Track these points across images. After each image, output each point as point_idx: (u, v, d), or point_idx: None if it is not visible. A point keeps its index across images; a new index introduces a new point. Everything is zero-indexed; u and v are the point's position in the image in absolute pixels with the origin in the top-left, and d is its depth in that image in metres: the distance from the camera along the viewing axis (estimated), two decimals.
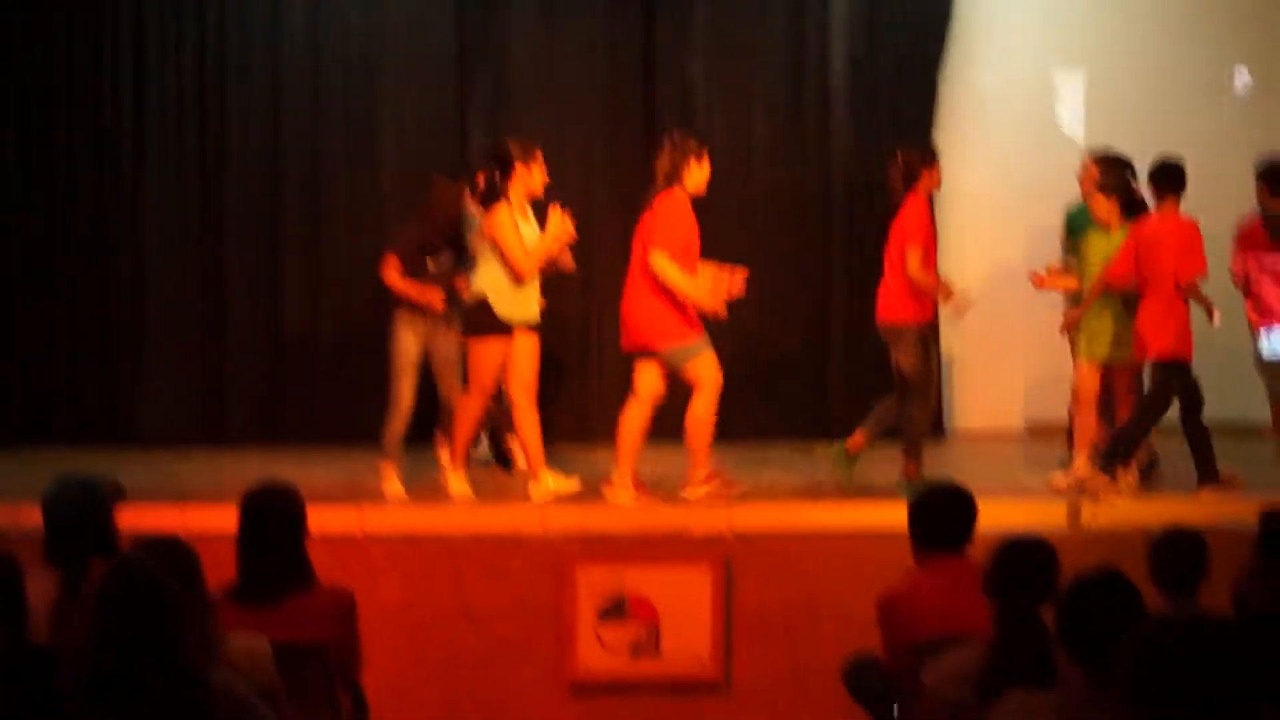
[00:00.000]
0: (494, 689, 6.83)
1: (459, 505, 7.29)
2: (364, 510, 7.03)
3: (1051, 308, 8.58)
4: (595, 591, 6.83)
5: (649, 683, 6.84)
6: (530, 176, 7.32)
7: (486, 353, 7.28)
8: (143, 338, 9.77)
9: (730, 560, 6.85)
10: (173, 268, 9.79)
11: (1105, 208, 7.68)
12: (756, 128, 9.93)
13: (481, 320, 7.26)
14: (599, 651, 6.83)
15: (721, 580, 6.82)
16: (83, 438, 9.40)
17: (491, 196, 7.30)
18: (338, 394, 9.62)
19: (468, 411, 7.44)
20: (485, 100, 9.91)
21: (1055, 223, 8.67)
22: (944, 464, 8.46)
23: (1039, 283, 8.25)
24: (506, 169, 7.30)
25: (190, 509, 6.81)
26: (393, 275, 7.73)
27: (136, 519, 6.74)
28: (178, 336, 9.76)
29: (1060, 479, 7.67)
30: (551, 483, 7.31)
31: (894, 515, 6.62)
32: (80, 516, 4.43)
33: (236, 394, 9.77)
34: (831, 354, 9.95)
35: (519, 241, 7.24)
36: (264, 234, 9.85)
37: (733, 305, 7.47)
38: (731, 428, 8.67)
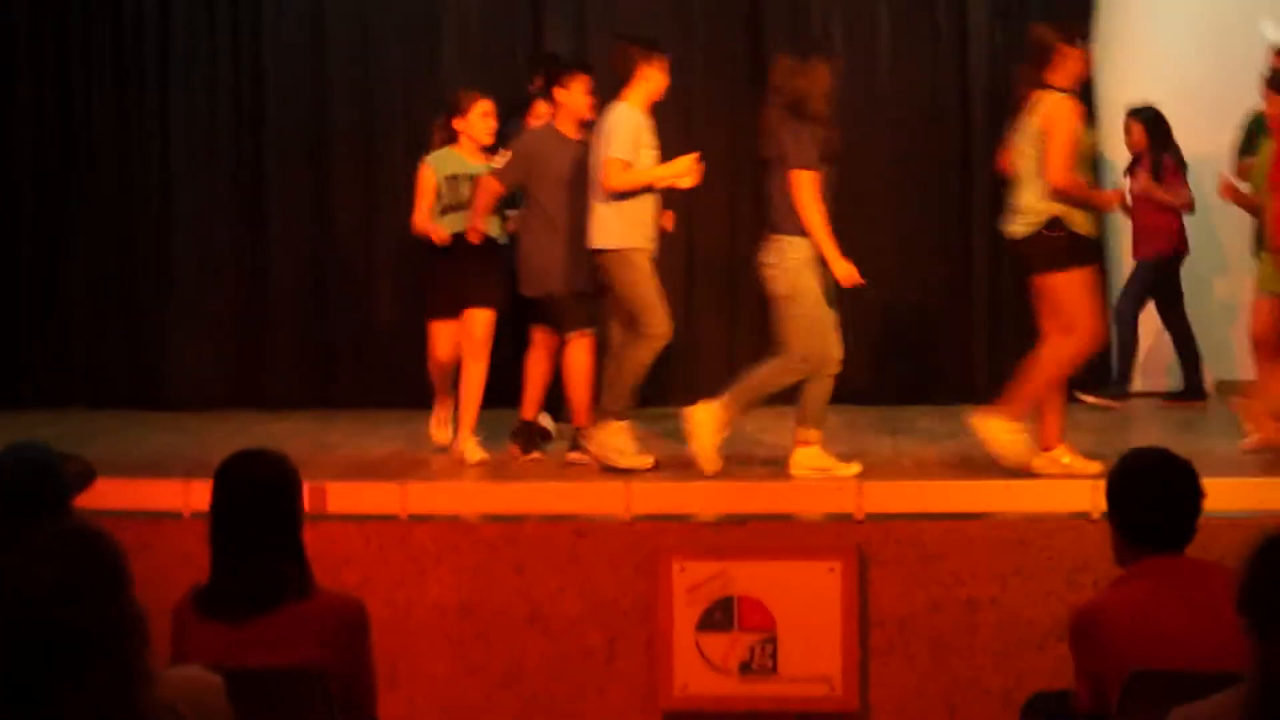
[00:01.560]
0: (567, 712, 5.39)
1: (523, 482, 5.89)
2: (408, 487, 5.60)
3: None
4: (696, 593, 5.32)
5: (763, 710, 5.34)
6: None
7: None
8: (170, 293, 8.67)
9: (864, 552, 5.34)
10: (206, 211, 8.66)
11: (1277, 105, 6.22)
12: (880, 42, 8.43)
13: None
14: (700, 668, 5.32)
15: (854, 578, 5.29)
16: (111, 401, 8.52)
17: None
18: (396, 354, 8.34)
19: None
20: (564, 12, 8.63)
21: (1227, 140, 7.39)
22: (1120, 430, 7.02)
23: (1226, 192, 6.90)
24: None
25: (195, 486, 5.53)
26: None
27: (135, 497, 5.91)
28: (212, 290, 8.68)
29: (1250, 441, 6.26)
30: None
31: (1077, 495, 5.43)
32: (13, 494, 3.36)
33: (277, 353, 8.64)
34: (975, 306, 8.46)
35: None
36: (310, 169, 8.65)
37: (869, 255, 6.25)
38: (871, 391, 7.57)
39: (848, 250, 5.96)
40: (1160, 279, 8.01)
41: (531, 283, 6.41)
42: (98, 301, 8.81)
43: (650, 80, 6.12)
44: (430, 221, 6.49)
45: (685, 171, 6.12)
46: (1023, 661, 5.34)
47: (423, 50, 8.64)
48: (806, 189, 5.81)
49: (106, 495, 5.54)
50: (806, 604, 5.36)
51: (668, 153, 6.25)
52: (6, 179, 8.84)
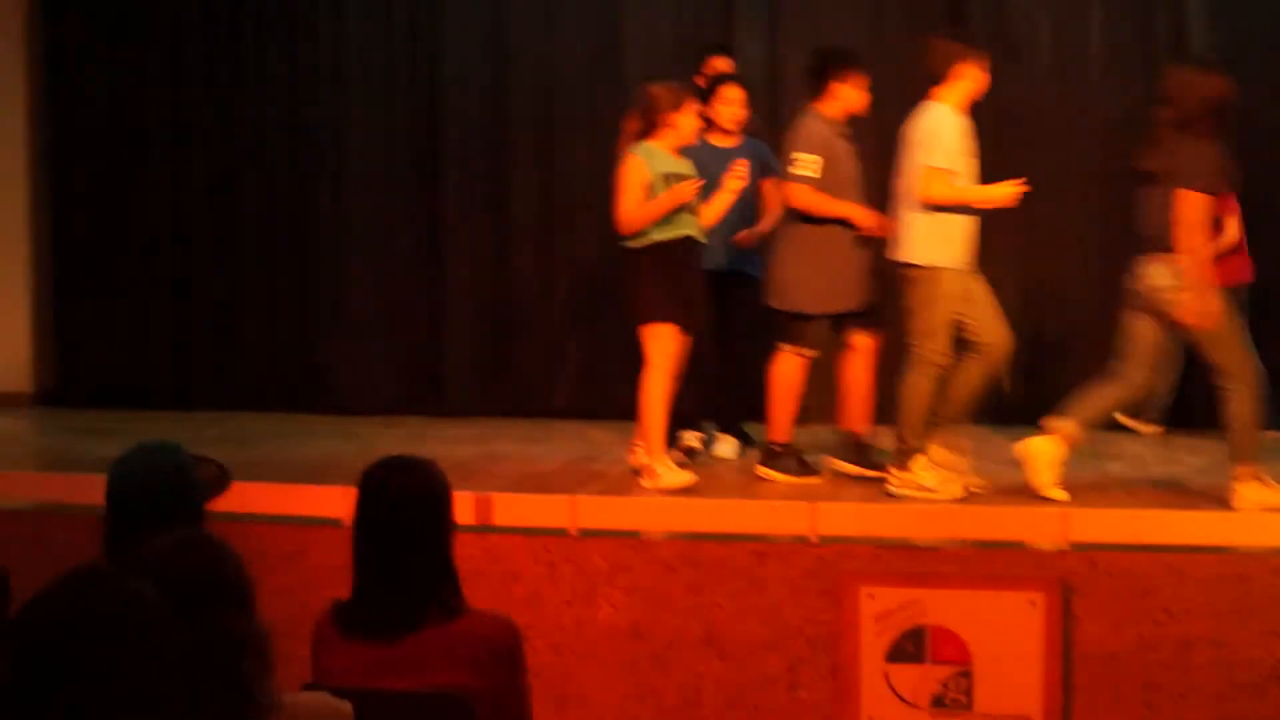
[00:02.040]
0: None
1: (704, 498, 5.44)
2: (577, 499, 5.30)
3: None
4: (885, 621, 4.95)
5: None
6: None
7: None
8: (349, 300, 8.49)
9: (1069, 584, 4.89)
10: (382, 214, 8.44)
11: None
12: (1091, 43, 7.83)
13: None
14: (888, 701, 4.93)
15: (1058, 611, 4.85)
16: (287, 404, 8.32)
17: None
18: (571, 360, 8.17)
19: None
20: (755, 11, 8.21)
21: None
22: None
23: None
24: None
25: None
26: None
27: (293, 502, 5.70)
28: (390, 298, 8.47)
29: None
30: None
31: None
32: (141, 499, 3.03)
33: (454, 361, 8.37)
34: None
35: None
36: (489, 182, 8.37)
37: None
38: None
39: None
40: None
41: (783, 298, 5.93)
42: (272, 304, 8.64)
43: (970, 80, 5.56)
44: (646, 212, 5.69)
45: (1010, 197, 5.54)
46: (1240, 706, 4.90)
47: (608, 51, 8.29)
48: (1192, 210, 5.28)
49: (263, 499, 5.36)
50: (1005, 637, 4.92)
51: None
52: (185, 186, 8.72)
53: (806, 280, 5.85)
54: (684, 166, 5.75)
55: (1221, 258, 7.18)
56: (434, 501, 3.03)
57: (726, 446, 6.60)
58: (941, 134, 5.47)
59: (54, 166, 8.96)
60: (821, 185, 5.78)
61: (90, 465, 5.69)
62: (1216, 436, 6.52)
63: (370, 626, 2.96)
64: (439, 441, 7.05)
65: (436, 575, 3.00)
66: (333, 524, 5.13)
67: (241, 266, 8.69)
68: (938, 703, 4.96)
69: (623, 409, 6.46)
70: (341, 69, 8.53)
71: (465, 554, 5.14)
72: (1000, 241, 5.83)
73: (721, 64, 6.82)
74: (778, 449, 5.94)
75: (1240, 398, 5.33)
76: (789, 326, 5.94)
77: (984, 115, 5.89)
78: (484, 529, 5.16)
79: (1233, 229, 7.10)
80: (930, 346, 5.52)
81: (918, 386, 5.54)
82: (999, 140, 6.77)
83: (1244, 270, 7.13)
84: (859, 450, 5.96)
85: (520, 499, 5.30)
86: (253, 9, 8.72)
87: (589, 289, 8.10)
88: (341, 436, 7.42)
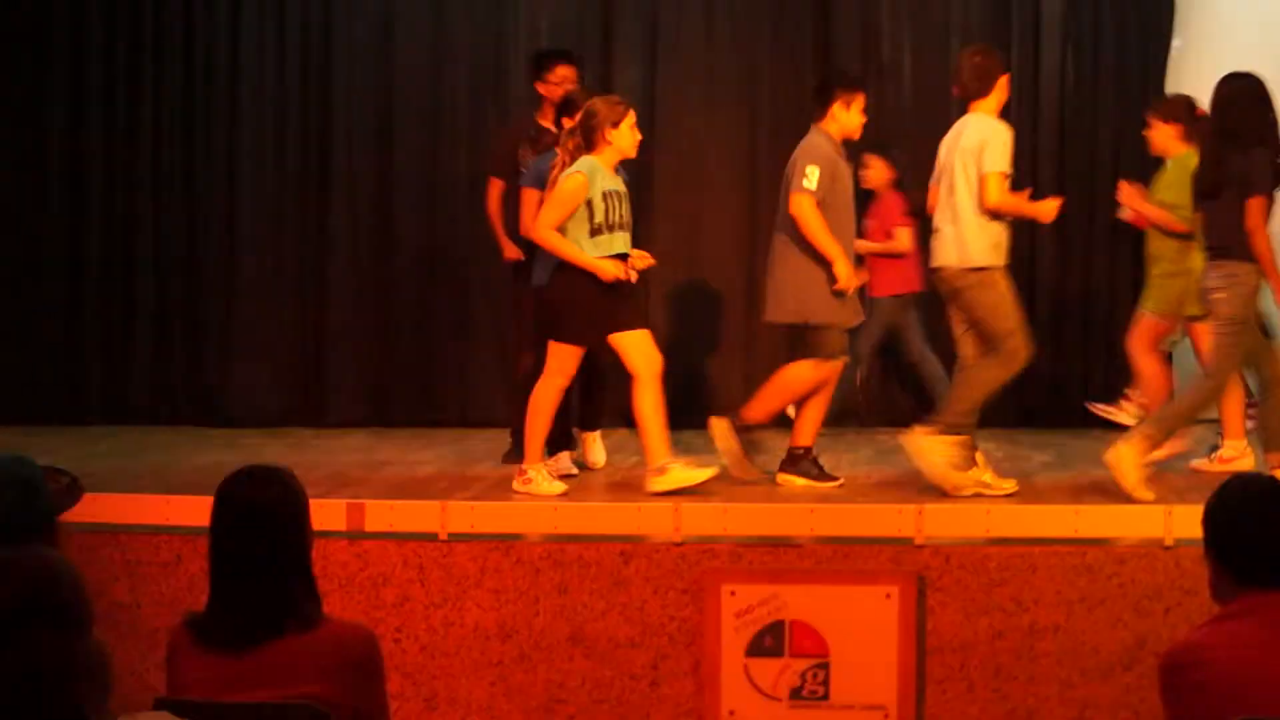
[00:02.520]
0: None
1: (566, 500, 5.49)
2: (448, 505, 5.32)
3: None
4: (746, 617, 5.06)
5: None
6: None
7: None
8: (231, 311, 8.41)
9: (924, 577, 5.06)
10: (269, 226, 8.41)
11: None
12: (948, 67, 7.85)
13: None
14: (748, 694, 5.04)
15: (912, 603, 5.00)
16: (171, 418, 8.26)
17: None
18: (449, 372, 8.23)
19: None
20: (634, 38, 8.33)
21: None
22: None
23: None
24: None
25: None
26: None
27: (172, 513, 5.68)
28: (272, 309, 8.41)
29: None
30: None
31: (1150, 520, 5.17)
32: None
33: (337, 372, 8.36)
34: None
35: None
36: (374, 181, 8.38)
37: None
38: None
39: None
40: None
41: (785, 310, 5.97)
42: (162, 320, 8.53)
43: (1004, 92, 5.81)
44: (562, 237, 5.59)
45: (1053, 211, 5.87)
46: (1087, 691, 5.06)
47: (489, 63, 8.36)
48: (1258, 215, 5.45)
49: (146, 510, 5.36)
50: (862, 630, 5.06)
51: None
52: (78, 196, 8.58)
53: (818, 290, 5.86)
54: (619, 183, 5.73)
55: (891, 264, 7.60)
56: (287, 510, 2.96)
57: (597, 450, 6.63)
58: (999, 142, 5.64)
59: None
60: (823, 201, 5.81)
61: None
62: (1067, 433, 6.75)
63: (225, 638, 2.90)
64: (320, 451, 7.11)
65: (292, 585, 2.92)
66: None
67: (132, 284, 8.59)
68: (795, 694, 5.07)
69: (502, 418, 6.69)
70: (236, 90, 8.42)
71: (337, 560, 5.23)
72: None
73: (566, 71, 6.71)
74: (799, 453, 5.92)
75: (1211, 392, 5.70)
76: (808, 339, 5.95)
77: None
78: (356, 535, 5.22)
79: (905, 238, 7.54)
80: (1015, 343, 5.66)
81: (995, 379, 5.66)
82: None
83: (913, 280, 7.46)
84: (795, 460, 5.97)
85: (392, 505, 5.36)
86: (150, 30, 8.69)
87: (468, 303, 8.20)
88: (228, 448, 7.34)
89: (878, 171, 7.64)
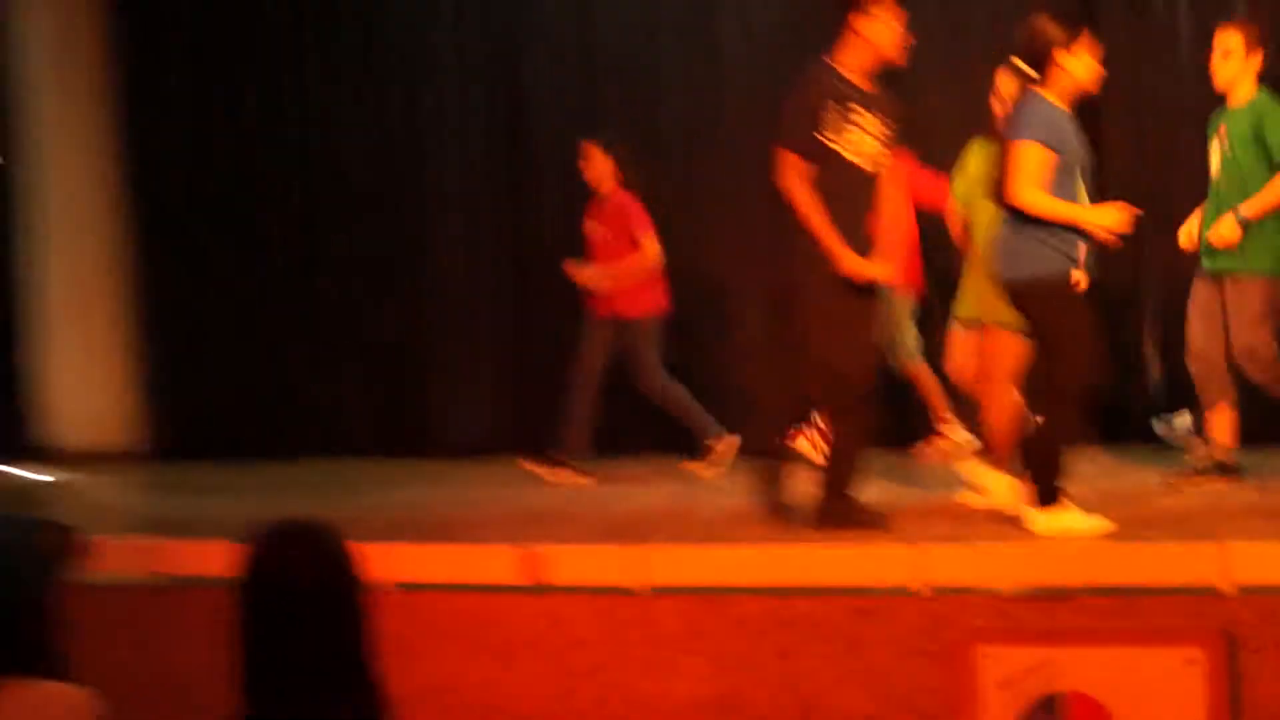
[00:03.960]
0: None
1: (786, 548, 4.54)
2: (646, 551, 4.46)
3: None
4: (1012, 689, 4.01)
5: None
6: None
7: None
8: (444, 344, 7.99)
9: (1234, 635, 3.94)
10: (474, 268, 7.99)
11: None
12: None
13: None
14: None
15: (1222, 669, 3.88)
16: (377, 450, 7.84)
17: None
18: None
19: None
20: None
21: None
22: None
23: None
24: None
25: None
26: None
27: None
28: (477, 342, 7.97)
29: None
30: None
31: None
32: None
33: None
34: None
35: None
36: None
37: None
38: None
39: None
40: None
41: None
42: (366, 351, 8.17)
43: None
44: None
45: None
46: None
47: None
48: None
49: None
50: (1158, 704, 3.96)
51: None
52: (273, 239, 8.27)
53: None
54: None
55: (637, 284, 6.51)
56: (326, 582, 2.17)
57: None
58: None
59: (139, 221, 8.49)
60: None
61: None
62: None
63: None
64: (525, 484, 6.48)
65: (337, 685, 2.14)
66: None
67: (334, 316, 8.24)
68: None
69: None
70: (431, 122, 8.04)
71: (518, 618, 4.48)
72: None
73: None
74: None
75: None
76: None
77: None
78: (538, 590, 4.44)
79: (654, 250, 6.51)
80: None
81: None
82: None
83: (660, 301, 6.58)
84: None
85: (581, 551, 4.56)
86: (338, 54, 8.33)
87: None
88: (433, 483, 6.85)
89: (599, 164, 6.57)
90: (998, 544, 4.48)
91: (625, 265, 6.52)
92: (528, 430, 7.35)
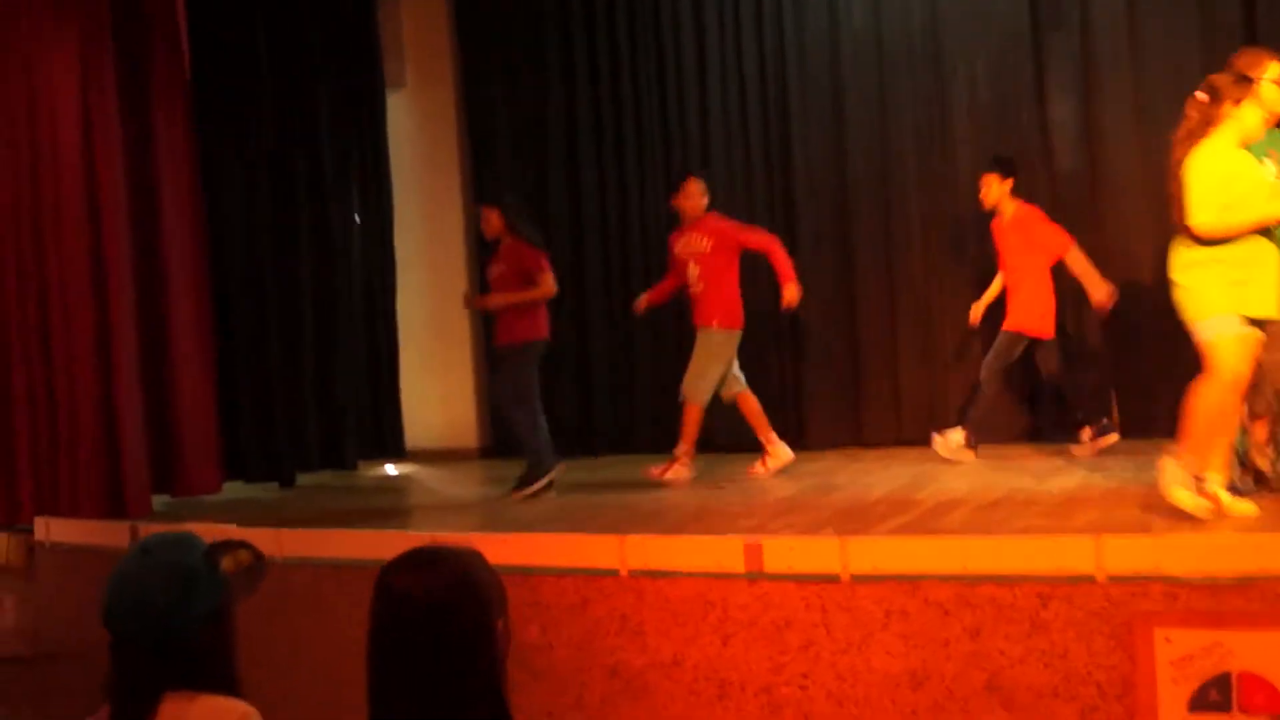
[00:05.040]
0: None
1: (974, 540, 4.64)
2: (847, 543, 4.58)
3: None
4: (1185, 668, 4.02)
5: None
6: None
7: None
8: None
9: None
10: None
11: None
12: None
13: None
14: None
15: None
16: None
17: None
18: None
19: None
20: (1065, 66, 7.65)
21: None
22: None
23: None
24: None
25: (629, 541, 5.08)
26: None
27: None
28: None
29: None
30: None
31: None
32: (132, 618, 2.32)
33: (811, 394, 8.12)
34: None
35: None
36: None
37: None
38: None
39: None
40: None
41: None
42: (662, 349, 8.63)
43: None
44: None
45: None
46: None
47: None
48: None
49: (548, 550, 5.05)
50: None
51: None
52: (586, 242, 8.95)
53: None
54: None
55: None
56: (456, 612, 2.15)
57: None
58: None
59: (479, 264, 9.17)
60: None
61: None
62: None
63: None
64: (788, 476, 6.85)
65: (456, 704, 2.14)
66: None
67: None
68: None
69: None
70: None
71: (737, 602, 4.93)
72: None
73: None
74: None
75: None
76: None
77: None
78: (755, 576, 4.89)
79: (548, 283, 6.70)
80: None
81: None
82: None
83: (540, 328, 6.74)
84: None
85: (790, 544, 4.71)
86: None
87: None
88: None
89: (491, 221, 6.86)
90: (1175, 534, 4.47)
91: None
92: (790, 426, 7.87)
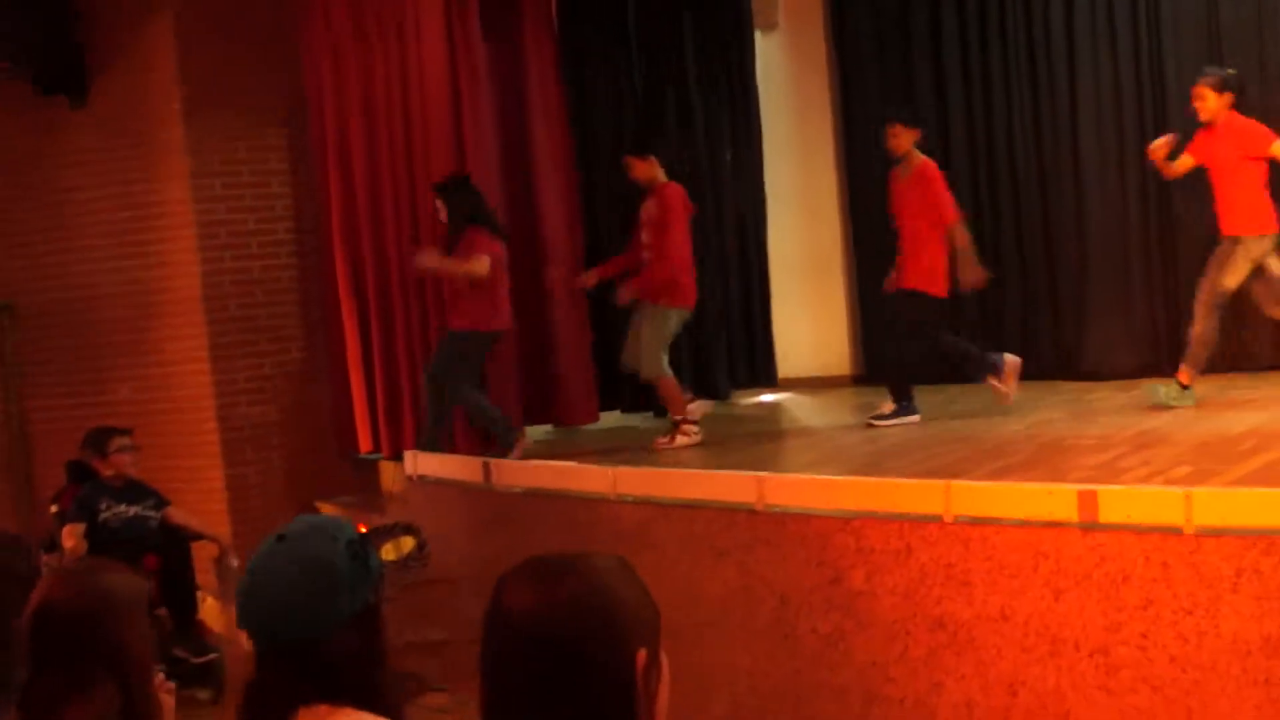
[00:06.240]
0: None
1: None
2: (1192, 494, 4.10)
3: None
4: None
5: None
6: None
7: None
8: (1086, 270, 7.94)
9: None
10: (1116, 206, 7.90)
11: None
12: None
13: None
14: None
15: None
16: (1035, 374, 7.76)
17: None
18: None
19: None
20: None
21: None
22: None
23: None
24: None
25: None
26: None
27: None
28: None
29: None
30: None
31: None
32: (275, 618, 1.96)
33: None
34: None
35: None
36: None
37: None
38: None
39: None
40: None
41: None
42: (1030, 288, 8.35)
43: None
44: None
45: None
46: None
47: None
48: None
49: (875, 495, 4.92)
50: None
51: None
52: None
53: None
54: None
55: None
56: (580, 639, 1.64)
57: None
58: None
59: (853, 204, 9.28)
60: None
61: None
62: None
63: None
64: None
65: None
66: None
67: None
68: None
69: None
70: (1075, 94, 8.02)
71: (1071, 553, 4.52)
72: None
73: None
74: None
75: None
76: None
77: None
78: (1090, 526, 4.46)
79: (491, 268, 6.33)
80: None
81: None
82: None
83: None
84: None
85: (1129, 493, 4.26)
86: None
87: None
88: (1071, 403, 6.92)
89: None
90: None
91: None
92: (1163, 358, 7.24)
